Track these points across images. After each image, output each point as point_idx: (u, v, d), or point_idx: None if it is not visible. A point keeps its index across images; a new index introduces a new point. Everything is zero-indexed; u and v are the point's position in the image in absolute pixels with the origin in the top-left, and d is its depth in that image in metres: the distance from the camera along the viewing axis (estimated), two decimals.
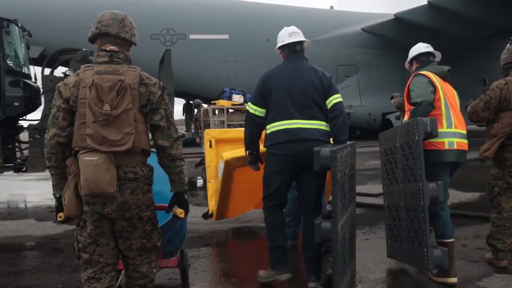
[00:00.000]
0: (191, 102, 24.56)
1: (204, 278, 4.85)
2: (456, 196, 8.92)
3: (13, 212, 9.23)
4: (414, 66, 5.15)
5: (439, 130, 4.45)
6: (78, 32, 22.02)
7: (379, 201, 8.42)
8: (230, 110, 12.36)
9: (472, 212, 7.35)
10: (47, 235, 7.03)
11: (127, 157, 3.04)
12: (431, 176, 4.38)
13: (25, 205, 10.22)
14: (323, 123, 4.38)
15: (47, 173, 11.88)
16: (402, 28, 23.78)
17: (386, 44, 25.19)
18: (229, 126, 11.39)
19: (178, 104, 28.92)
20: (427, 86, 4.64)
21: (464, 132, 4.78)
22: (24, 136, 11.91)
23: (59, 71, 11.64)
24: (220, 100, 13.72)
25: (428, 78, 4.72)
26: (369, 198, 8.73)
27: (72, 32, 21.96)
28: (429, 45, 5.13)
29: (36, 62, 13.42)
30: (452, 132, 4.65)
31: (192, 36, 23.68)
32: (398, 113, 9.36)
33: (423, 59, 5.07)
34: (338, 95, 4.42)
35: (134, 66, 3.17)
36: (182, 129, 25.33)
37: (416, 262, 4.50)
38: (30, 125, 10.99)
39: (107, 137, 2.96)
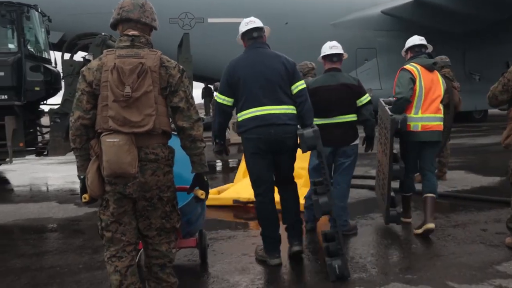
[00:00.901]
0: (210, 86, 24.56)
1: (222, 260, 4.90)
2: (476, 180, 8.85)
3: (35, 195, 9.38)
4: (409, 55, 6.00)
5: (410, 114, 5.56)
6: (97, 17, 22.08)
7: (397, 184, 8.40)
8: None
9: (492, 196, 7.26)
10: (69, 217, 7.15)
11: (148, 139, 3.12)
12: (405, 151, 5.79)
13: (47, 188, 10.37)
14: (290, 106, 4.57)
15: (67, 157, 12.06)
16: (422, 10, 23.37)
17: (406, 27, 24.74)
18: None
19: (197, 88, 28.89)
20: (408, 83, 5.55)
21: (435, 115, 5.61)
22: (45, 120, 12.08)
23: (79, 56, 11.70)
24: None
25: (411, 73, 5.59)
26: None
27: (91, 17, 22.00)
28: (423, 37, 5.97)
29: (56, 47, 13.53)
30: (418, 117, 5.57)
31: (210, 20, 23.55)
32: None
33: (416, 50, 5.89)
34: (302, 81, 4.69)
35: (155, 50, 3.24)
36: (201, 113, 25.37)
37: (384, 217, 5.90)
38: (50, 110, 11.14)
39: (128, 118, 3.05)
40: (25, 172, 12.66)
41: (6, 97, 10.24)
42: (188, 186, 3.51)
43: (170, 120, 3.32)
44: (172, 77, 3.19)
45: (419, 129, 5.59)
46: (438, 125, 5.66)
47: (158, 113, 3.13)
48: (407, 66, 5.71)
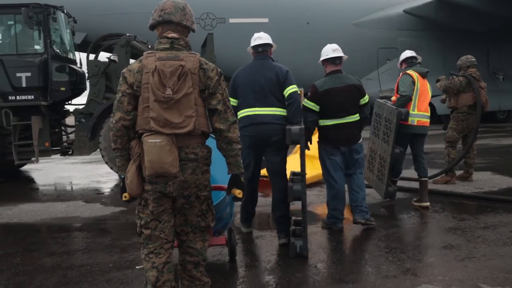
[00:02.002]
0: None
1: (251, 259, 4.90)
2: (503, 181, 8.73)
3: (61, 194, 9.49)
4: (403, 66, 7.37)
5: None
6: (121, 18, 22.30)
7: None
8: None
9: None
10: (95, 216, 7.22)
11: (188, 139, 3.18)
12: (400, 139, 6.81)
13: (71, 187, 10.48)
14: (278, 109, 5.27)
15: (92, 156, 12.21)
16: (446, 10, 23.11)
17: (429, 26, 24.56)
18: None
19: None
20: (410, 84, 6.89)
21: (427, 113, 7.03)
22: (70, 120, 12.22)
23: (103, 56, 11.79)
24: None
25: (412, 77, 6.93)
26: (414, 183, 8.59)
27: (114, 17, 22.20)
28: (413, 51, 7.41)
29: (79, 47, 13.66)
30: (415, 114, 6.90)
31: (232, 20, 23.57)
32: (443, 96, 9.15)
33: (409, 61, 7.30)
34: (293, 85, 5.32)
35: (194, 52, 3.29)
36: None
37: (378, 191, 7.16)
38: (75, 110, 11.25)
39: (169, 119, 3.10)
40: (50, 171, 12.83)
41: (32, 97, 10.36)
42: (219, 185, 3.55)
43: None
44: (210, 79, 3.24)
45: (416, 123, 6.93)
46: (427, 121, 7.09)
47: (198, 115, 3.19)
48: (409, 71, 7.03)
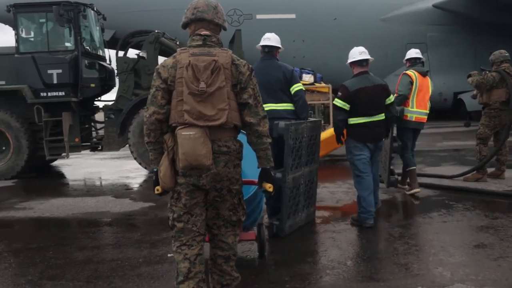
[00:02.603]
0: None
1: (278, 254, 4.90)
2: None
3: (91, 189, 9.63)
4: (407, 64, 7.86)
5: (407, 108, 7.41)
6: (149, 14, 22.48)
7: (455, 183, 8.22)
8: None
9: None
10: (125, 211, 7.30)
11: (221, 132, 3.25)
12: (402, 134, 7.50)
13: (101, 182, 10.61)
14: (289, 104, 5.85)
15: (121, 152, 12.35)
16: (476, 4, 22.73)
17: (459, 21, 24.17)
18: None
19: None
20: (408, 84, 7.43)
21: (425, 111, 7.55)
22: (99, 116, 12.38)
23: (132, 53, 11.90)
24: None
25: (410, 78, 7.44)
26: (444, 180, 8.48)
27: (142, 14, 22.40)
28: (418, 51, 7.90)
29: (108, 44, 13.81)
30: (413, 111, 7.44)
31: (259, 16, 23.55)
32: (475, 92, 8.98)
33: (412, 61, 7.80)
34: (299, 84, 5.94)
35: (225, 49, 3.39)
36: None
37: (384, 181, 7.52)
38: (105, 106, 11.41)
39: (203, 112, 3.17)
40: (80, 166, 13.01)
41: (63, 93, 10.54)
42: (250, 180, 3.61)
43: None
44: (242, 74, 3.31)
45: (414, 119, 7.48)
46: (425, 118, 7.64)
47: (231, 108, 3.25)
48: (408, 72, 7.54)
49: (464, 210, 6.52)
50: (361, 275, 4.39)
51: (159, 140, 3.31)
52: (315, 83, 11.80)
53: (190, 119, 3.16)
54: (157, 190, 3.37)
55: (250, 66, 3.40)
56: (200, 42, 3.35)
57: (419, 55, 7.78)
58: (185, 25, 3.48)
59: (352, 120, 6.04)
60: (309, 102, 11.46)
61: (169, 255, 4.84)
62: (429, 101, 7.64)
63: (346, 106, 5.99)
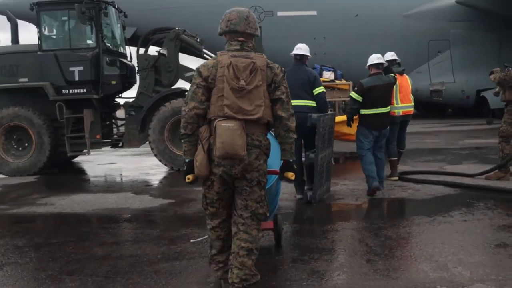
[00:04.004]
0: None
1: (296, 250, 4.90)
2: None
3: (111, 186, 9.73)
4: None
5: (392, 106, 8.18)
6: (169, 12, 22.59)
7: (476, 181, 8.11)
8: None
9: None
10: (144, 208, 7.35)
11: (255, 127, 3.66)
12: (391, 127, 8.19)
13: (121, 179, 10.71)
14: (310, 101, 7.16)
15: (141, 149, 12.46)
16: (500, 0, 22.39)
17: (482, 17, 23.81)
18: None
19: None
20: None
21: (410, 104, 8.77)
22: (120, 113, 12.47)
23: (153, 50, 11.95)
24: None
25: None
26: (466, 179, 8.37)
27: (163, 11, 22.52)
28: (393, 53, 8.82)
29: (129, 42, 13.90)
30: (399, 106, 8.50)
31: (280, 13, 23.52)
32: (497, 89, 8.84)
33: (390, 63, 8.43)
34: (321, 87, 7.34)
35: (261, 53, 3.82)
36: None
37: None
38: (126, 103, 11.49)
39: (242, 107, 3.59)
40: (100, 163, 13.13)
41: (84, 90, 10.65)
42: (271, 170, 4.00)
43: None
44: (276, 75, 3.75)
45: (401, 113, 8.58)
46: (411, 110, 8.89)
47: (266, 105, 3.67)
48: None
49: (485, 209, 6.43)
50: (379, 273, 4.36)
51: (195, 133, 3.70)
52: (336, 80, 11.74)
53: (230, 112, 3.55)
54: (188, 178, 3.78)
55: (283, 68, 3.82)
56: (238, 47, 3.76)
57: (395, 57, 8.79)
58: (221, 35, 3.90)
59: (363, 111, 7.52)
60: (329, 99, 11.48)
61: (191, 240, 5.07)
62: (411, 95, 8.88)
63: (359, 99, 7.49)
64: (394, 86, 8.10)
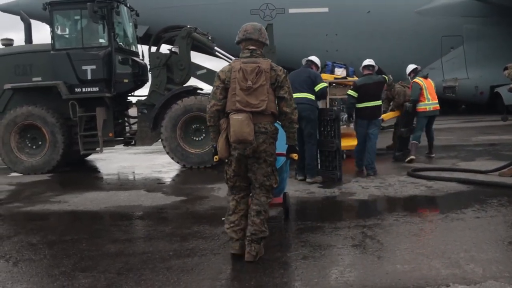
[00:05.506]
0: None
1: (307, 247, 4.91)
2: None
3: (124, 183, 9.79)
4: (412, 75, 11.12)
5: (424, 102, 10.58)
6: (181, 10, 22.64)
7: (489, 178, 8.04)
8: (332, 84, 12.09)
9: None
10: (157, 205, 7.38)
11: (261, 117, 4.61)
12: (417, 122, 10.77)
13: (134, 176, 10.76)
14: (309, 94, 8.45)
15: (153, 147, 12.54)
16: None
17: (496, 12, 23.58)
18: (330, 100, 11.20)
19: None
20: (418, 91, 10.54)
21: (436, 101, 10.78)
22: (132, 111, 12.53)
23: (165, 48, 11.98)
24: (322, 74, 13.49)
25: (419, 85, 10.57)
26: (479, 175, 8.30)
27: (175, 10, 22.58)
28: (414, 65, 11.26)
29: (141, 40, 13.98)
30: (430, 102, 10.58)
31: (291, 10, 23.48)
32: (511, 85, 8.76)
33: (415, 71, 11.14)
34: (323, 83, 8.67)
35: (267, 58, 4.75)
36: None
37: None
38: (138, 101, 11.54)
39: (249, 102, 4.55)
40: (113, 161, 13.23)
41: (97, 89, 10.72)
42: (280, 152, 4.99)
43: None
44: (279, 76, 4.69)
45: (432, 108, 10.63)
46: (438, 106, 10.84)
47: (269, 100, 4.60)
48: (416, 80, 10.69)
49: (498, 206, 6.38)
50: (391, 270, 4.34)
51: (216, 124, 4.71)
52: (348, 77, 11.68)
53: (240, 106, 4.52)
54: (216, 158, 4.79)
55: (285, 70, 4.73)
56: (248, 54, 4.74)
57: (416, 66, 11.32)
58: (238, 43, 4.86)
59: (358, 105, 9.28)
60: (341, 97, 11.45)
61: (223, 218, 5.20)
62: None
63: (355, 95, 9.25)
64: (423, 89, 10.42)
